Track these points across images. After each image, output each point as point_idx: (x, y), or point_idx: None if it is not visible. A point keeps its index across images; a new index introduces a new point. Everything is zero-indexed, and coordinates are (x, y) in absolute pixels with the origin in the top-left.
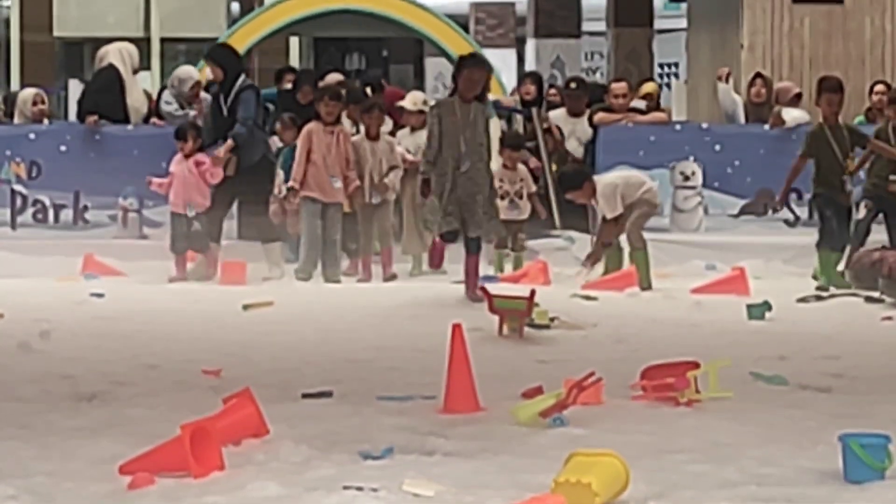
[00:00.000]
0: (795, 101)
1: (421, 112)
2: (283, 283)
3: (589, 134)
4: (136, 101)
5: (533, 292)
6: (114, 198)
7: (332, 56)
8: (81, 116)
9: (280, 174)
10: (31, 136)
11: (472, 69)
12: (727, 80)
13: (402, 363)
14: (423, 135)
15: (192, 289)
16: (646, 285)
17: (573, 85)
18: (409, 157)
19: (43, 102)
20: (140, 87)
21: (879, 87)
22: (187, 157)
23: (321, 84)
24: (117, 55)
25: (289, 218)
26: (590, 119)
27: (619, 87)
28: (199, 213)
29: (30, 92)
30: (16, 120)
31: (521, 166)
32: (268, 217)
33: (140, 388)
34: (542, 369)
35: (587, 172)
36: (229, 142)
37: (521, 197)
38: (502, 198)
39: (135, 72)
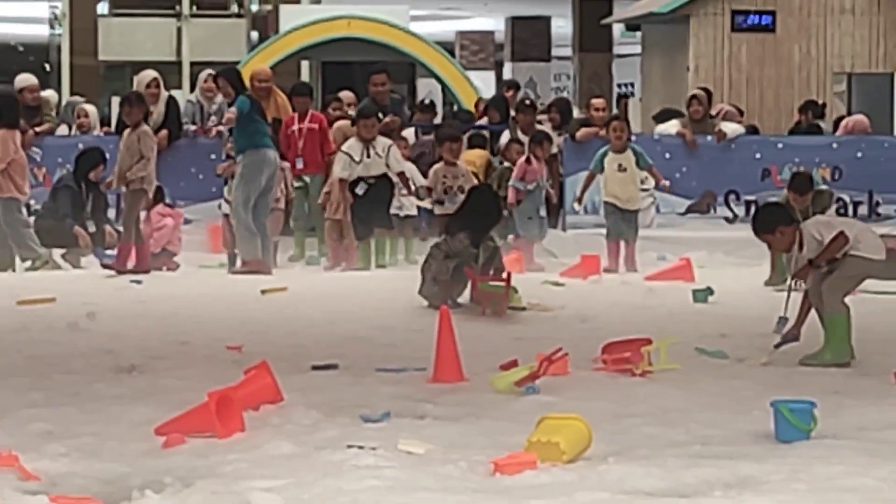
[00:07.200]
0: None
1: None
2: (295, 271)
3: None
4: None
5: (509, 275)
6: None
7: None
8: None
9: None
10: (80, 145)
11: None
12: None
13: (398, 340)
14: None
15: (218, 277)
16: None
17: (527, 102)
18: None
19: (86, 116)
20: None
21: (599, 102)
22: None
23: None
24: None
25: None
26: (572, 134)
27: (599, 102)
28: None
29: (79, 100)
30: (73, 131)
31: (460, 163)
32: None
33: (173, 361)
34: (517, 345)
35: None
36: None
37: (462, 192)
38: (445, 192)
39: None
